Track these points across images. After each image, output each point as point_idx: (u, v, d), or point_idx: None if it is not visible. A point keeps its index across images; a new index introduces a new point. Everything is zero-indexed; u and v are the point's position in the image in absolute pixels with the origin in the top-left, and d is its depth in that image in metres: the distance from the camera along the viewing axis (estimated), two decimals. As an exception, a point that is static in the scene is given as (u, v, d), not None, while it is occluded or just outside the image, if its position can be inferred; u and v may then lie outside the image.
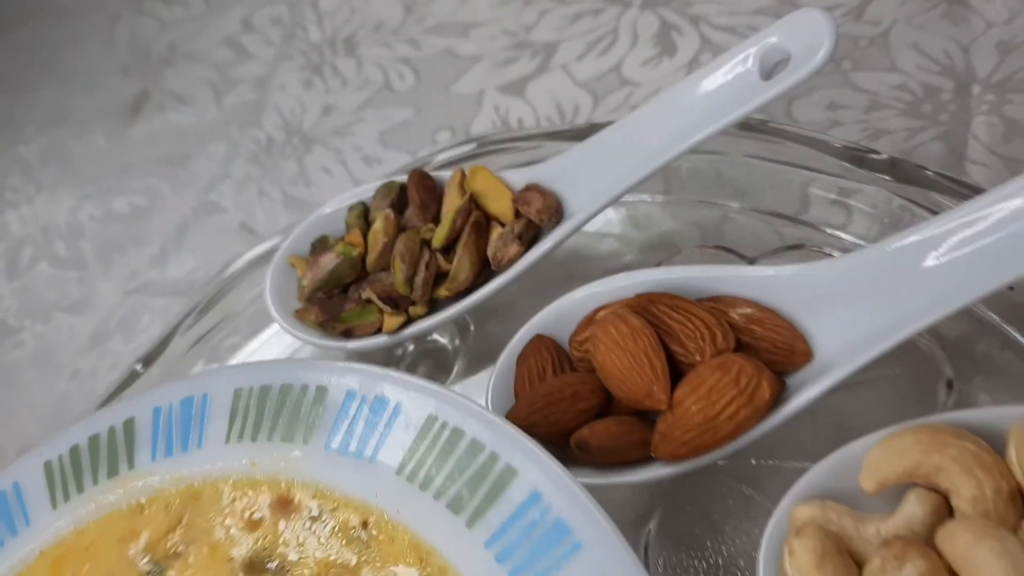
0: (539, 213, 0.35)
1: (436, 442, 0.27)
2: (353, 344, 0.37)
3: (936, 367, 0.33)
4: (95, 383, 0.49)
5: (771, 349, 0.30)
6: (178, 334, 0.43)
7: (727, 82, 0.32)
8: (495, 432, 0.26)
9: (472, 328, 0.40)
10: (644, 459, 0.30)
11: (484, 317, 0.40)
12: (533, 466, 0.25)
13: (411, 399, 0.28)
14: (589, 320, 0.33)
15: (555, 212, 0.35)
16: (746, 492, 0.31)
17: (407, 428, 0.28)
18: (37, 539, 0.30)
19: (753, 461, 0.32)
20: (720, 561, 0.30)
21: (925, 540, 0.25)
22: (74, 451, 0.32)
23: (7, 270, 0.58)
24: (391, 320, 0.36)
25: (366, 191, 0.40)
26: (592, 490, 0.25)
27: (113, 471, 0.31)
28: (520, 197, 0.36)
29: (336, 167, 0.53)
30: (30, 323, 0.54)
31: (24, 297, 0.56)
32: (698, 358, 0.30)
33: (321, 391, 0.29)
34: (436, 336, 0.40)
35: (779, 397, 0.29)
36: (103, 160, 0.62)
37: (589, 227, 0.37)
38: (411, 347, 0.40)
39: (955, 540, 0.23)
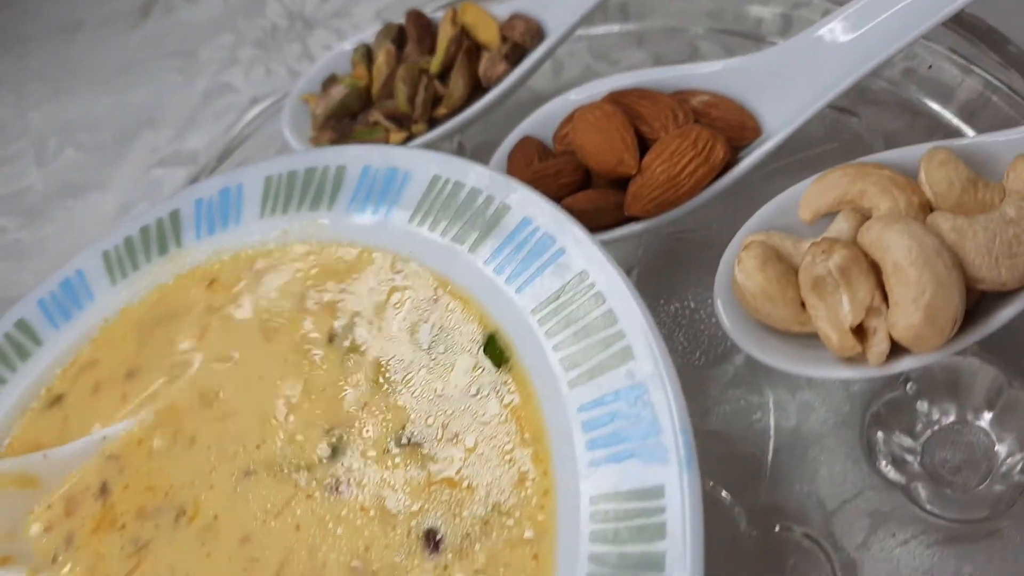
0: (523, 35, 0.40)
1: (441, 194, 0.32)
2: (363, 161, 0.41)
3: (870, 150, 0.38)
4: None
5: (726, 127, 0.35)
6: (201, 178, 0.48)
7: None
8: (491, 180, 0.31)
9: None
10: (620, 221, 0.35)
11: (480, 148, 0.45)
12: (523, 200, 0.30)
13: (418, 164, 0.33)
14: (569, 119, 0.38)
15: (536, 33, 0.40)
16: (710, 253, 0.36)
17: (416, 187, 0.32)
18: (101, 310, 0.35)
19: (714, 226, 0.37)
20: (687, 304, 0.35)
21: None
22: (128, 240, 0.37)
23: (36, 159, 0.62)
24: (396, 136, 0.41)
25: (368, 36, 0.44)
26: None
27: (163, 250, 0.36)
28: (506, 24, 0.41)
29: (337, 44, 0.57)
30: (59, 200, 0.59)
31: (53, 181, 0.60)
32: (662, 134, 0.35)
33: (341, 169, 0.34)
34: (436, 164, 0.45)
35: (732, 162, 0.34)
36: (117, 61, 0.66)
37: (567, 65, 0.41)
38: (414, 174, 0.45)
39: (871, 230, 0.28)
